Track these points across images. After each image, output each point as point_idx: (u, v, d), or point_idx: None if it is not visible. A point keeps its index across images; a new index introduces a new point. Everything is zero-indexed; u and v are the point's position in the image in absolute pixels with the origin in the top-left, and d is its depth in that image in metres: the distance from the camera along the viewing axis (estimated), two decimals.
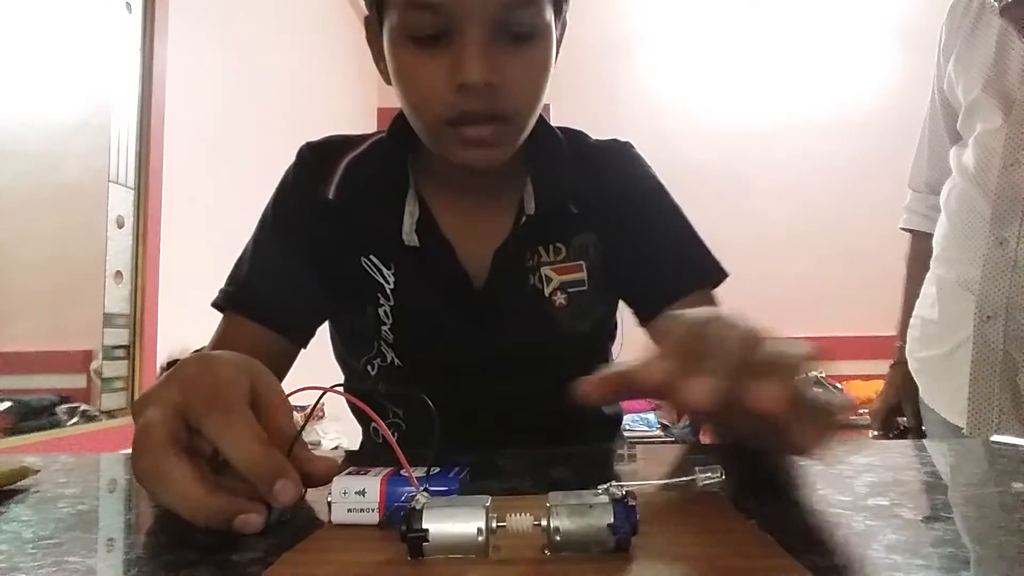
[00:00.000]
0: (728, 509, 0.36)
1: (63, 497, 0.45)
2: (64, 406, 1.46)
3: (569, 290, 0.74)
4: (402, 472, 0.35)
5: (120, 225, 1.64)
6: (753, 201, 3.61)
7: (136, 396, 1.65)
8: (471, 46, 0.59)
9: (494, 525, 0.30)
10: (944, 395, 1.22)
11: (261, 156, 2.41)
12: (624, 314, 0.83)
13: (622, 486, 0.30)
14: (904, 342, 1.35)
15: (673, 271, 0.75)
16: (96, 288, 1.56)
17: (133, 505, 0.46)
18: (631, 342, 0.83)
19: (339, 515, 0.35)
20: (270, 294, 0.74)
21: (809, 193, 3.62)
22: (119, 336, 1.63)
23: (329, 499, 0.35)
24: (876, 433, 1.41)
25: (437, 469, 0.39)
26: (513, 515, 0.30)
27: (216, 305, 0.75)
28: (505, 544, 0.30)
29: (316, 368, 0.72)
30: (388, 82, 0.67)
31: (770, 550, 0.30)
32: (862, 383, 3.13)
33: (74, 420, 1.47)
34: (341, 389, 0.40)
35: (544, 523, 0.29)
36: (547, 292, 0.73)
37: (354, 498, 0.35)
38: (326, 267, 0.75)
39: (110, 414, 1.58)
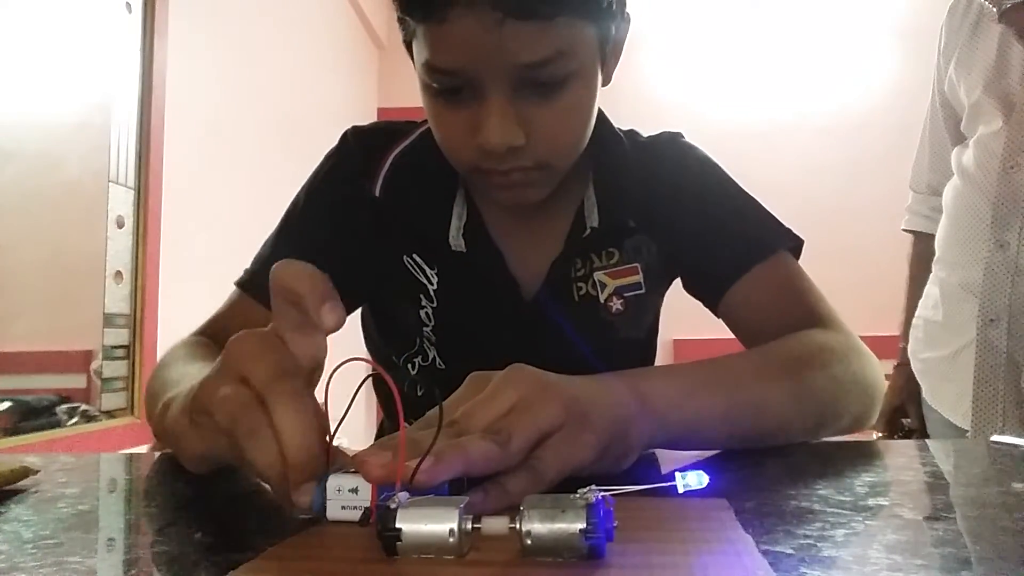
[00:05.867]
0: (711, 514, 0.36)
1: (63, 497, 0.45)
2: (64, 406, 1.46)
3: (626, 294, 0.71)
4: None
5: (120, 225, 1.64)
6: None
7: (136, 396, 1.65)
8: (491, 108, 0.56)
9: (469, 527, 0.29)
10: (948, 397, 1.22)
11: (261, 156, 2.41)
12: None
13: (601, 490, 0.30)
14: (907, 343, 1.35)
15: (727, 250, 0.70)
16: (96, 288, 1.56)
17: (133, 505, 0.46)
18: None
19: (333, 512, 0.35)
20: None
21: (809, 193, 3.61)
22: (119, 336, 1.63)
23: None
24: (880, 434, 1.41)
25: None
26: (489, 517, 0.30)
27: (238, 284, 0.73)
28: (485, 546, 0.30)
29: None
30: None
31: (752, 558, 0.29)
32: None
33: (74, 420, 1.47)
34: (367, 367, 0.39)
35: (518, 526, 0.29)
36: (602, 299, 0.71)
37: (347, 495, 0.35)
38: (365, 262, 0.72)
39: (110, 414, 1.58)
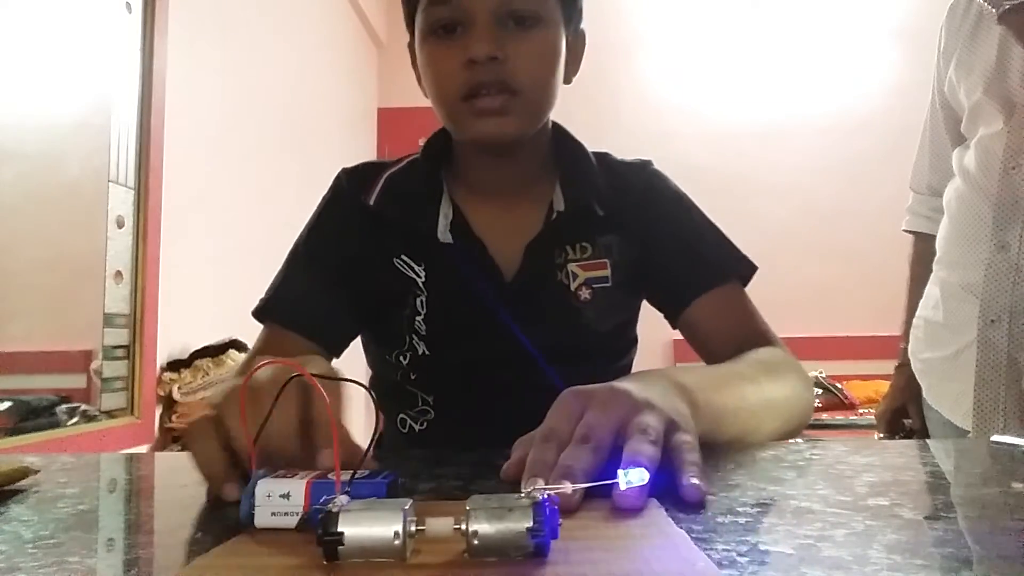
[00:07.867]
0: (654, 512, 0.36)
1: (63, 497, 0.45)
2: (64, 406, 1.46)
3: (594, 286, 0.79)
4: (329, 476, 0.35)
5: (120, 225, 1.64)
6: (753, 201, 3.60)
7: (136, 396, 1.66)
8: (479, 29, 0.70)
9: (413, 529, 0.29)
10: (948, 397, 1.22)
11: (261, 156, 2.41)
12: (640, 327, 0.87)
13: (546, 489, 0.30)
14: (907, 343, 1.34)
15: (693, 269, 0.80)
16: (96, 288, 1.56)
17: (133, 505, 0.46)
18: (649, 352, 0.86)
19: (262, 519, 0.34)
20: (301, 305, 0.79)
21: (809, 193, 3.62)
22: (119, 336, 1.63)
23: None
24: (882, 436, 1.40)
25: (365, 473, 0.38)
26: (433, 519, 0.30)
27: (254, 314, 0.80)
28: (427, 548, 0.30)
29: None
30: (421, 84, 0.77)
31: (690, 552, 0.29)
32: (861, 383, 3.12)
33: (74, 420, 1.47)
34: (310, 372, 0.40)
35: (464, 527, 0.29)
36: (573, 287, 0.78)
37: (278, 501, 0.34)
38: (361, 273, 0.79)
39: (110, 414, 1.58)
